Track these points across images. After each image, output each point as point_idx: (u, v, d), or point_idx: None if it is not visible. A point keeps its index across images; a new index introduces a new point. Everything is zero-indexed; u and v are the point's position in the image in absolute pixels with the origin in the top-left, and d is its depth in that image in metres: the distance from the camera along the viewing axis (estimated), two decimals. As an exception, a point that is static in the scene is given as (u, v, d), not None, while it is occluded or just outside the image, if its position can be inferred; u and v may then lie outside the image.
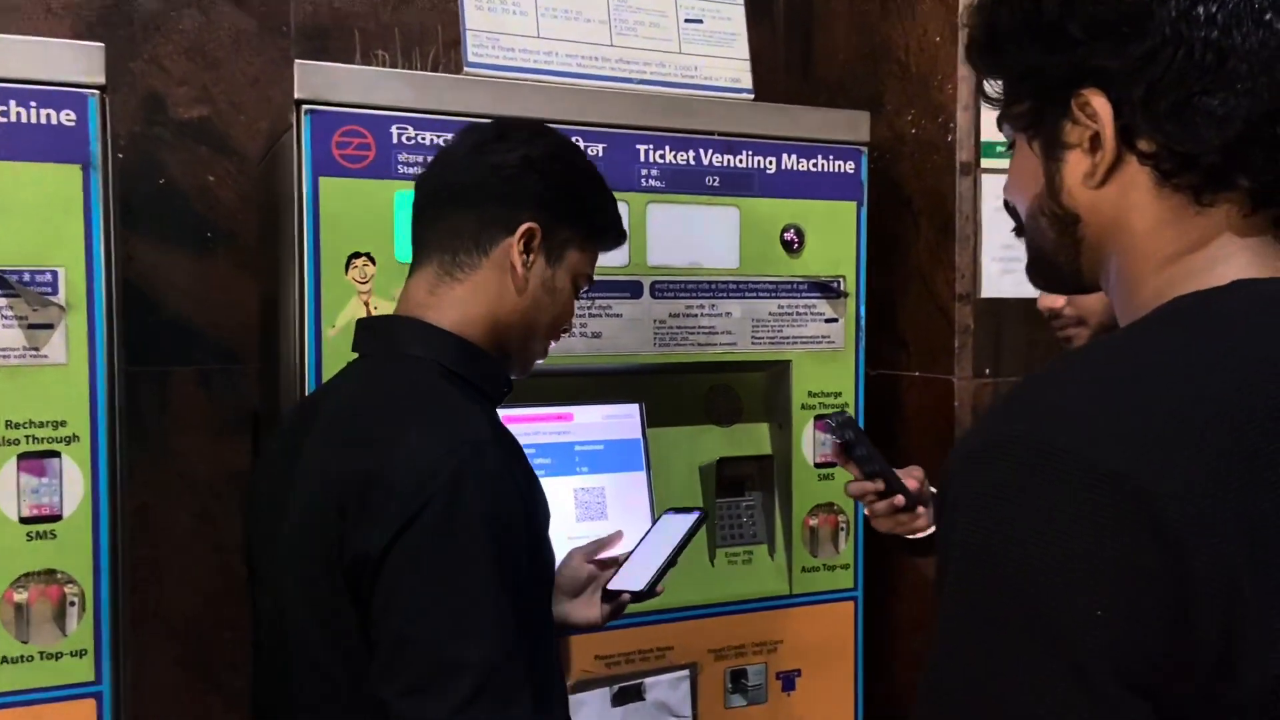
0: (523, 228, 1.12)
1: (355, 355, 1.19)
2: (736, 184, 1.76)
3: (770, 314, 1.80)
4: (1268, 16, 0.65)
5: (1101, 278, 0.79)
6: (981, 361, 1.93)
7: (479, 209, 1.12)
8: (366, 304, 1.52)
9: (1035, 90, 0.75)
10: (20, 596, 1.36)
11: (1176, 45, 0.65)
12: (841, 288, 1.85)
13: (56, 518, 1.38)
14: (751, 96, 1.81)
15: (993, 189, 1.92)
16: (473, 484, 0.97)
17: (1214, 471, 0.59)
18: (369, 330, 1.19)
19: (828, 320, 1.85)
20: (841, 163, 1.84)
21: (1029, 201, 0.80)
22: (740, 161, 1.76)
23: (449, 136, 1.55)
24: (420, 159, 1.54)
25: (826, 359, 1.85)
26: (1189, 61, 0.66)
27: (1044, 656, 0.58)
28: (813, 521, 1.85)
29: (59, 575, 1.38)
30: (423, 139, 1.55)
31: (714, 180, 1.74)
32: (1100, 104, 0.70)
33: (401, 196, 1.53)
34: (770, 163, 1.78)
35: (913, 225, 2.02)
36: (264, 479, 1.20)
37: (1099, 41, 0.68)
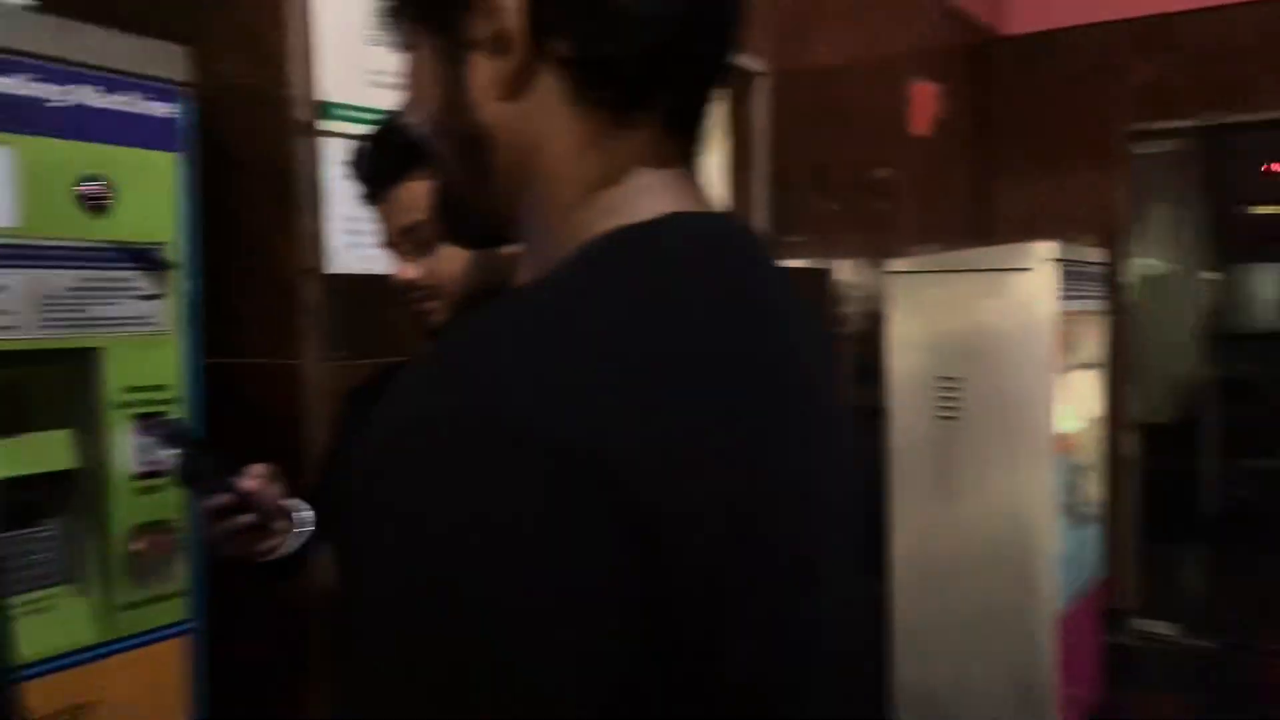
0: None
1: None
2: (11, 116, 1.32)
3: (68, 289, 1.39)
4: None
5: (521, 216, 0.64)
6: (333, 342, 1.74)
7: None
8: None
9: None
10: None
11: None
12: (162, 257, 1.51)
13: None
14: (36, 4, 1.39)
15: (336, 153, 1.74)
16: None
17: (698, 438, 0.49)
18: None
19: (146, 297, 1.49)
20: (156, 103, 1.50)
21: (429, 120, 0.63)
22: (17, 87, 1.33)
23: None
24: None
25: (147, 345, 1.50)
26: None
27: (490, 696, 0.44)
28: (138, 545, 1.49)
29: None
30: None
31: (-23, 108, 1.29)
32: None
33: None
34: (61, 93, 1.38)
35: (246, 190, 1.75)
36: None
37: None
